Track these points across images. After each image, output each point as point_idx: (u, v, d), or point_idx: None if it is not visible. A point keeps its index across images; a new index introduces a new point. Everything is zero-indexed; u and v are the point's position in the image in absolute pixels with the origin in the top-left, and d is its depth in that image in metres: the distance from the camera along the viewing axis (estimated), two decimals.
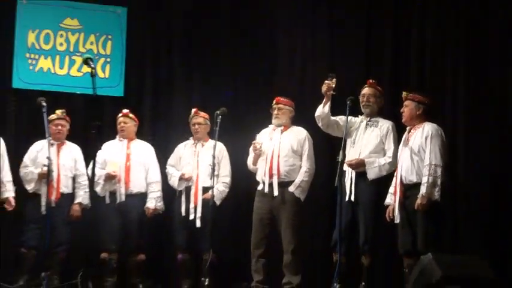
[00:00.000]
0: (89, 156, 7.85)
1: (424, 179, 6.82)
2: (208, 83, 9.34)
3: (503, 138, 8.17)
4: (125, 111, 8.34)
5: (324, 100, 7.30)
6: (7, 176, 8.02)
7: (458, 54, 8.28)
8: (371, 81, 7.52)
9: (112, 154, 8.14)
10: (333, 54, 9.10)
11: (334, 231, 7.28)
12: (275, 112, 7.72)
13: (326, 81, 7.24)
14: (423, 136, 6.95)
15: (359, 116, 7.42)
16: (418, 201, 6.78)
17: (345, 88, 7.66)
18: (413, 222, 6.90)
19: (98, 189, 8.02)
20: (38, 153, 8.09)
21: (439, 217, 7.02)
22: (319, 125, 7.45)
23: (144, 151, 8.33)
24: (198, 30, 9.38)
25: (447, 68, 8.31)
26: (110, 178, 8.02)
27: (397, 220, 6.99)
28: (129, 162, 8.17)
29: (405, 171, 6.99)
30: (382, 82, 7.93)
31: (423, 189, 6.80)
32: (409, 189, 6.94)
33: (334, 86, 7.22)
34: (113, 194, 8.06)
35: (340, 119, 7.35)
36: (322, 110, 7.33)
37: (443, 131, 7.05)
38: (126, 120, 8.29)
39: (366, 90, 7.42)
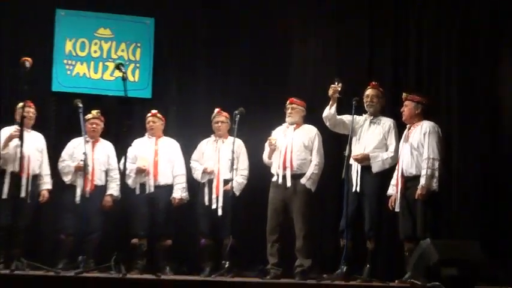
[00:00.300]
0: (121, 152, 7.88)
1: (423, 172, 6.88)
2: (228, 85, 9.40)
3: (492, 134, 8.24)
4: (154, 111, 8.40)
5: (330, 102, 7.35)
6: (46, 169, 8.13)
7: (451, 58, 8.32)
8: (374, 83, 7.57)
9: (142, 150, 8.19)
10: (340, 60, 9.19)
11: (342, 219, 7.33)
12: (288, 111, 7.76)
13: (332, 85, 7.30)
14: (422, 133, 7.02)
15: (363, 114, 7.45)
16: (418, 191, 6.85)
17: (350, 90, 7.73)
18: (413, 210, 6.98)
19: (129, 181, 8.10)
20: (75, 149, 8.15)
21: (437, 206, 7.08)
22: (327, 124, 7.49)
23: (170, 147, 8.37)
24: (219, 38, 9.42)
25: (442, 71, 8.35)
26: (140, 172, 8.08)
27: (398, 209, 7.06)
28: (157, 157, 8.22)
29: (405, 164, 7.05)
30: (383, 84, 7.94)
31: (422, 181, 6.86)
32: (409, 181, 7.01)
33: (339, 89, 7.29)
34: (142, 185, 8.11)
35: (346, 117, 7.39)
36: (329, 111, 7.39)
37: (440, 128, 7.13)
38: (155, 119, 8.34)
39: (369, 91, 7.46)
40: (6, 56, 8.96)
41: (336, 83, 7.31)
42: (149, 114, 8.38)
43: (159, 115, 8.40)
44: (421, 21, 8.64)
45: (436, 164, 6.94)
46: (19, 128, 7.31)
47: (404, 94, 7.35)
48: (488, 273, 6.51)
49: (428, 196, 6.90)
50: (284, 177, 7.49)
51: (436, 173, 6.92)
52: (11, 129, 7.93)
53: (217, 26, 9.49)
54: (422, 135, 7.02)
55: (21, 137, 7.00)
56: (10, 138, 7.65)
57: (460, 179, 8.29)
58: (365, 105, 7.44)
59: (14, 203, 7.49)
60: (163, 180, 8.20)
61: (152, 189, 8.12)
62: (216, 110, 8.27)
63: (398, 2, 8.97)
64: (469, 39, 8.55)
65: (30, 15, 9.13)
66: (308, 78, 9.32)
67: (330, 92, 7.32)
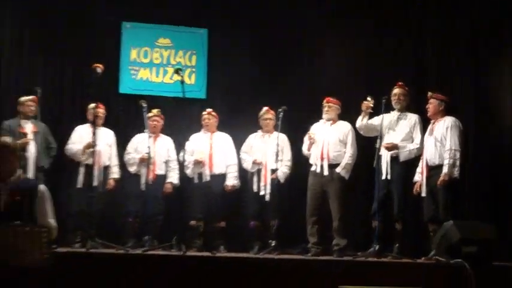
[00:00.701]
0: (179, 145, 8.06)
1: (446, 161, 6.91)
2: (272, 86, 9.37)
3: (503, 129, 8.20)
4: (209, 110, 8.45)
5: (363, 115, 7.43)
6: (114, 161, 8.26)
7: (467, 59, 8.29)
8: (400, 83, 7.58)
9: (198, 144, 8.22)
10: (369, 62, 9.20)
11: (373, 203, 7.36)
12: (325, 109, 7.79)
13: (365, 102, 7.36)
14: (445, 127, 7.05)
15: (391, 111, 7.47)
16: (441, 178, 6.88)
17: (381, 89, 7.76)
18: (436, 195, 7.00)
19: (188, 171, 8.17)
20: (139, 143, 8.23)
21: (457, 191, 7.11)
22: (361, 133, 7.60)
23: (223, 141, 8.40)
24: (263, 44, 9.46)
25: (457, 71, 8.33)
26: (197, 163, 8.12)
27: (424, 194, 7.08)
28: (212, 150, 8.25)
29: (430, 155, 7.08)
30: (408, 84, 7.92)
31: (445, 169, 6.89)
32: (433, 169, 7.05)
33: (372, 105, 7.34)
34: (200, 175, 8.15)
35: (375, 121, 7.44)
36: (361, 122, 7.47)
37: (461, 122, 7.15)
38: (209, 117, 8.38)
39: (396, 90, 7.49)
40: (79, 63, 9.01)
41: (369, 99, 7.36)
42: (205, 113, 8.42)
43: (213, 113, 8.43)
44: (441, 27, 8.59)
45: (458, 155, 6.96)
46: (92, 125, 7.51)
47: (429, 93, 7.36)
48: (502, 251, 6.53)
49: (450, 182, 6.92)
50: (321, 166, 7.52)
51: (458, 162, 6.95)
52: (84, 127, 8.13)
53: (261, 35, 9.50)
54: (445, 129, 7.04)
55: (94, 134, 7.18)
56: (88, 147, 7.78)
57: (476, 167, 8.23)
58: (393, 102, 7.47)
59: (88, 191, 7.71)
60: (217, 170, 8.24)
61: (208, 178, 8.16)
62: (265, 108, 8.30)
63: (420, 10, 8.92)
64: (482, 41, 8.49)
65: (100, 28, 9.22)
66: (342, 78, 9.24)
67: (363, 107, 7.40)
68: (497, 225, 6.68)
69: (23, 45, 8.99)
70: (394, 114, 7.49)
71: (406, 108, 7.52)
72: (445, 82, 8.47)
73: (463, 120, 7.52)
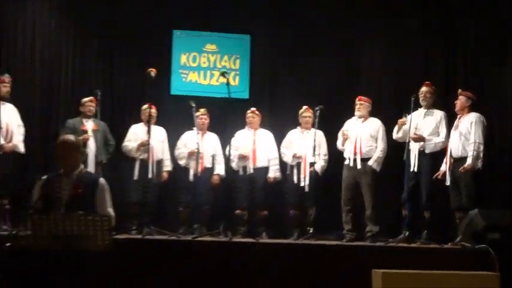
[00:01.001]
0: (224, 141, 8.11)
1: (470, 153, 6.88)
2: (309, 87, 9.37)
3: None
4: (253, 109, 8.44)
5: (397, 128, 7.46)
6: (166, 155, 8.30)
7: (492, 59, 8.18)
8: (427, 82, 7.54)
9: (243, 140, 8.22)
10: (399, 63, 9.13)
11: (403, 193, 7.33)
12: (357, 107, 7.75)
13: (400, 120, 7.40)
14: (469, 122, 7.03)
15: (418, 108, 7.43)
16: (464, 166, 6.86)
17: (409, 88, 7.74)
18: (460, 185, 6.96)
19: (233, 165, 8.16)
20: (188, 139, 8.24)
21: (480, 181, 7.06)
22: (399, 141, 7.54)
23: (265, 137, 8.37)
24: (301, 49, 9.44)
25: (483, 70, 8.23)
26: (242, 157, 8.14)
27: (448, 183, 7.05)
28: (255, 145, 8.22)
29: (454, 148, 7.05)
30: (436, 83, 7.90)
31: (469, 161, 6.86)
32: (457, 161, 7.01)
33: (406, 121, 7.33)
34: (244, 168, 8.15)
35: (406, 126, 7.35)
36: (396, 135, 7.53)
37: (485, 118, 7.09)
38: (253, 115, 8.37)
39: (423, 89, 7.43)
40: (135, 67, 9.13)
41: (404, 117, 7.38)
42: (249, 111, 8.41)
43: (256, 112, 8.42)
44: (467, 29, 8.49)
45: (481, 147, 6.92)
46: (146, 124, 7.60)
47: (460, 90, 7.33)
48: None
49: (473, 173, 6.87)
50: (355, 160, 7.51)
51: (481, 155, 6.91)
52: (138, 126, 8.24)
53: (299, 39, 9.49)
54: (469, 124, 7.01)
55: (148, 132, 7.26)
56: (142, 145, 7.87)
57: (499, 158, 8.13)
58: (420, 100, 7.42)
59: (143, 183, 7.79)
60: (260, 163, 8.22)
61: (252, 171, 8.15)
62: (304, 107, 8.26)
63: (448, 13, 8.82)
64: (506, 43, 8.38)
65: (153, 36, 9.31)
66: (374, 78, 9.25)
67: (399, 123, 7.42)
68: None
69: (87, 53, 9.13)
70: (421, 111, 7.45)
71: (433, 105, 7.46)
72: (472, 81, 8.35)
73: (489, 116, 7.49)
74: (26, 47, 8.50)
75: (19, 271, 4.50)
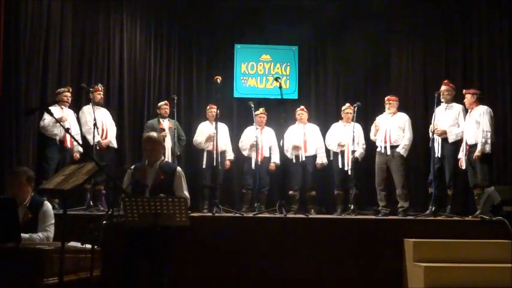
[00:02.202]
0: (279, 134, 8.12)
1: (479, 140, 6.74)
2: (349, 87, 9.38)
3: None
4: (302, 107, 8.37)
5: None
6: (229, 146, 8.30)
7: (504, 60, 7.96)
8: (446, 81, 7.42)
9: (294, 133, 8.11)
10: (423, 65, 8.96)
11: (430, 174, 7.21)
12: (387, 106, 7.61)
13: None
14: (479, 113, 6.89)
15: (441, 103, 7.29)
16: (476, 154, 6.75)
17: (432, 86, 7.70)
18: (475, 167, 6.85)
19: (287, 154, 8.07)
20: (249, 133, 8.21)
21: (490, 162, 6.98)
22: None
23: (313, 130, 8.22)
24: (342, 56, 9.45)
25: (497, 71, 8.01)
26: (295, 148, 8.02)
27: (464, 167, 6.95)
28: (305, 137, 8.08)
29: (469, 136, 6.93)
30: (455, 81, 7.77)
31: (479, 146, 6.76)
32: (472, 147, 6.88)
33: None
34: (297, 156, 8.03)
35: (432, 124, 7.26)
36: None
37: (491, 110, 6.96)
38: (302, 112, 8.24)
39: (443, 87, 7.29)
40: (204, 76, 9.32)
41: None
42: (298, 109, 8.32)
43: (305, 109, 8.32)
44: (481, 37, 8.25)
45: (489, 135, 6.80)
46: (211, 122, 7.82)
47: (464, 90, 7.18)
48: None
49: (484, 156, 6.77)
50: (385, 148, 7.41)
51: (489, 141, 6.79)
52: (205, 124, 8.32)
53: (340, 48, 9.49)
54: (479, 115, 6.87)
55: (216, 128, 7.33)
56: (208, 138, 7.98)
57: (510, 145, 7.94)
58: (441, 96, 7.27)
59: (210, 170, 7.86)
60: (310, 152, 8.06)
61: (304, 158, 8.01)
62: (347, 104, 8.16)
63: (465, 23, 8.61)
64: None
65: (220, 49, 9.49)
66: (402, 79, 9.13)
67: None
68: None
69: (163, 63, 9.24)
70: (443, 106, 7.32)
71: (452, 100, 7.32)
72: (487, 79, 8.15)
73: (501, 107, 7.50)
74: (116, 61, 8.62)
75: (113, 244, 4.62)
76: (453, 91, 7.33)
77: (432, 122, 7.18)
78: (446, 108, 7.27)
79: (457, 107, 7.26)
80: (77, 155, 7.22)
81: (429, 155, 7.31)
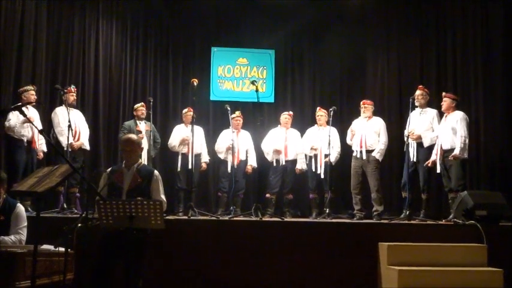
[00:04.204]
0: (256, 138, 8.09)
1: (457, 145, 6.79)
2: (324, 91, 9.42)
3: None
4: (290, 112, 8.32)
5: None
6: (204, 149, 8.23)
7: (477, 65, 8.09)
8: (420, 86, 7.48)
9: (275, 137, 8.09)
10: (399, 70, 9.04)
11: (403, 178, 7.26)
12: (362, 110, 7.64)
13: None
14: (455, 119, 6.92)
15: (415, 108, 7.32)
16: (453, 154, 6.78)
17: (407, 91, 7.76)
18: (450, 171, 6.90)
19: (268, 157, 8.06)
20: (225, 137, 8.15)
21: (465, 168, 7.09)
22: None
23: (294, 135, 8.15)
24: (317, 60, 9.48)
25: (470, 74, 8.15)
26: (276, 152, 7.98)
27: (438, 170, 6.98)
28: (286, 142, 8.02)
29: (444, 141, 6.96)
30: (430, 84, 7.90)
31: (457, 151, 6.79)
32: (446, 152, 6.92)
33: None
34: (277, 160, 7.99)
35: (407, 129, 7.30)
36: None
37: (467, 116, 7.04)
38: (288, 117, 8.16)
39: (418, 92, 7.34)
40: (180, 79, 9.24)
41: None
42: (286, 114, 8.24)
43: (291, 115, 8.26)
44: (455, 42, 8.39)
45: (467, 140, 6.87)
46: (186, 125, 7.68)
47: (444, 93, 7.25)
48: (508, 213, 6.39)
49: (461, 161, 6.83)
50: (361, 152, 7.43)
51: (466, 146, 6.84)
52: (180, 127, 8.23)
53: (316, 52, 9.52)
54: (455, 121, 6.91)
55: (192, 130, 7.25)
56: (183, 141, 7.93)
57: (484, 149, 8.04)
58: (415, 101, 7.31)
59: (185, 173, 7.80)
60: (290, 156, 8.01)
61: (284, 163, 7.97)
62: (318, 108, 8.19)
63: (439, 28, 8.74)
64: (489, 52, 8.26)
65: (196, 52, 9.41)
66: (377, 83, 9.21)
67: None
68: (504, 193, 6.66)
69: (139, 65, 9.15)
70: (417, 110, 7.36)
71: (426, 105, 7.37)
72: (460, 84, 8.28)
73: (474, 112, 7.58)
74: (91, 62, 8.55)
75: (87, 247, 4.55)
76: (427, 96, 7.39)
77: (407, 126, 7.22)
78: (420, 113, 7.31)
79: (431, 112, 7.31)
80: (40, 154, 7.12)
81: (402, 159, 7.36)
